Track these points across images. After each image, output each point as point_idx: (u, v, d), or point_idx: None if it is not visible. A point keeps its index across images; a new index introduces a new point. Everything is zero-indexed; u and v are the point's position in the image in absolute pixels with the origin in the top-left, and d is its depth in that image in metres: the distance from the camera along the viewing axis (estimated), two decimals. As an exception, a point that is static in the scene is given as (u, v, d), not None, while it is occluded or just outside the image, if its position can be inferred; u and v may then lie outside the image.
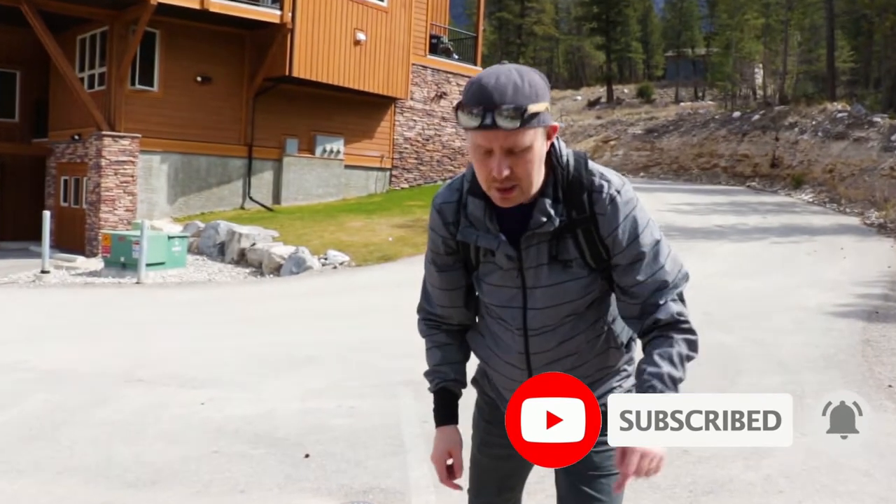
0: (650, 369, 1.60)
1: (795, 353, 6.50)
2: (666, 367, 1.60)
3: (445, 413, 1.85)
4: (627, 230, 1.62)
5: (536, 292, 1.68)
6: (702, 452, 4.11)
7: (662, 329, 1.65)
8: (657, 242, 1.65)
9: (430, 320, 1.89)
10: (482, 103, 1.49)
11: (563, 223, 1.62)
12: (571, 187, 1.63)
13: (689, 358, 1.66)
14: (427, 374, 1.87)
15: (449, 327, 1.88)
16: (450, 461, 1.82)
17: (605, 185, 1.63)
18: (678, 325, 1.65)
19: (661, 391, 1.57)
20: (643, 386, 1.59)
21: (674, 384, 1.60)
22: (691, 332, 1.67)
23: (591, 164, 1.67)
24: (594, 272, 1.67)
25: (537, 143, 1.55)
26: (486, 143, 1.52)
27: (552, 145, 1.63)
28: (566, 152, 1.66)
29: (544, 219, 1.61)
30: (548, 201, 1.61)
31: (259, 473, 3.87)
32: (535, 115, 1.52)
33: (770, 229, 15.79)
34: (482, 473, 1.98)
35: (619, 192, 1.63)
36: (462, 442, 1.84)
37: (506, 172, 1.52)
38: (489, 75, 1.52)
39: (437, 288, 1.82)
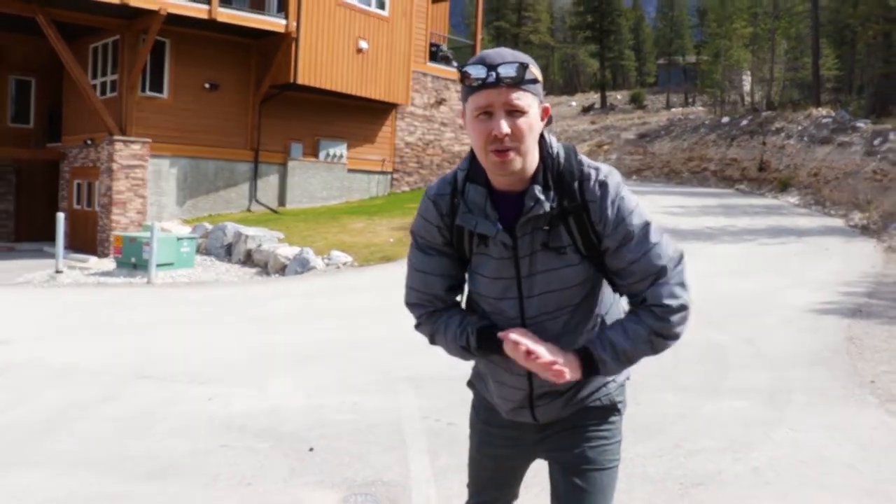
0: (605, 332, 1.69)
1: (783, 350, 6.58)
2: (614, 333, 1.67)
3: (495, 335, 1.74)
4: (616, 213, 1.63)
5: (531, 280, 1.69)
6: (693, 446, 4.20)
7: (640, 306, 1.68)
8: (646, 224, 1.65)
9: (428, 314, 1.83)
10: (485, 63, 1.57)
11: (554, 210, 1.64)
12: (562, 177, 1.65)
13: (651, 338, 1.67)
14: (460, 339, 1.76)
15: (450, 308, 1.83)
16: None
17: (594, 172, 1.66)
18: (655, 308, 1.65)
19: (593, 348, 1.67)
20: (588, 343, 1.70)
21: (613, 348, 1.66)
22: (664, 318, 1.65)
23: (581, 156, 1.70)
24: (586, 260, 1.68)
25: (534, 110, 1.60)
26: (487, 102, 1.56)
27: (542, 137, 1.67)
28: (556, 145, 1.70)
29: (533, 203, 1.63)
30: (538, 188, 1.63)
31: (265, 467, 3.89)
32: (534, 80, 1.60)
33: (758, 231, 15.69)
34: (482, 472, 1.99)
35: (607, 177, 1.65)
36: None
37: (506, 130, 1.55)
38: (488, 50, 1.63)
39: (425, 272, 1.78)
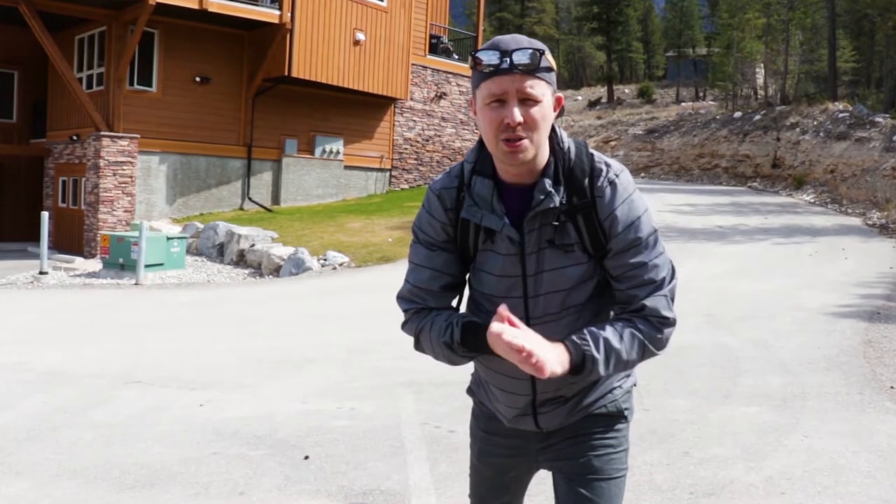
0: (593, 328, 1.61)
1: (797, 354, 6.52)
2: (608, 334, 1.60)
3: (482, 329, 1.63)
4: (624, 215, 1.62)
5: (538, 278, 1.67)
6: (703, 454, 4.13)
7: (634, 313, 1.65)
8: (653, 232, 1.65)
9: (417, 311, 1.78)
10: (499, 48, 1.54)
11: (563, 206, 1.63)
12: (572, 172, 1.64)
13: (646, 346, 1.63)
14: (444, 335, 1.68)
15: (441, 308, 1.79)
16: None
17: (605, 168, 1.64)
18: (653, 318, 1.64)
19: (588, 347, 1.58)
20: (576, 336, 1.60)
21: (607, 349, 1.59)
22: (660, 329, 1.64)
23: (592, 151, 1.68)
24: (593, 259, 1.67)
25: (547, 99, 1.57)
26: (501, 90, 1.54)
27: (554, 130, 1.65)
28: (567, 139, 1.68)
29: (543, 197, 1.61)
30: (548, 181, 1.62)
31: (258, 475, 3.87)
32: (549, 68, 1.57)
33: (771, 230, 15.91)
34: (484, 482, 1.96)
35: (617, 176, 1.64)
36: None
37: (518, 118, 1.53)
38: (502, 35, 1.59)
39: (427, 267, 1.76)
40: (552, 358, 1.54)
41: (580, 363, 1.59)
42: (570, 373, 1.59)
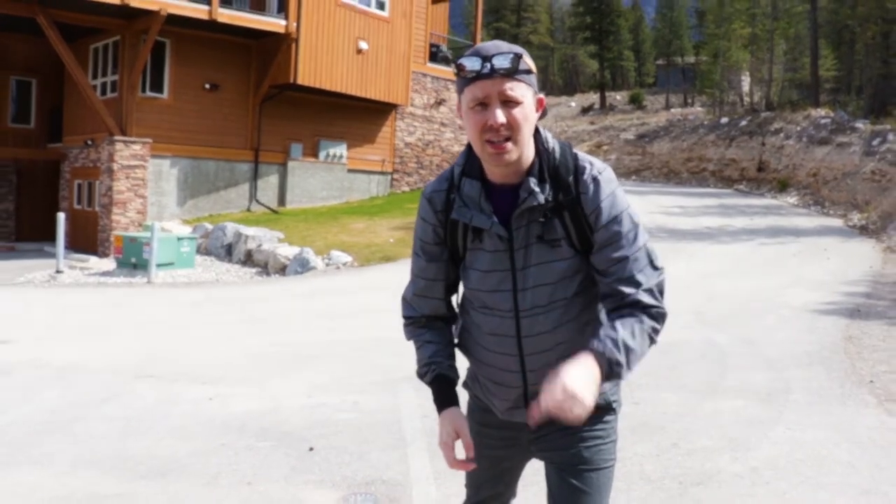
0: (607, 332, 1.59)
1: (782, 350, 6.61)
2: (622, 334, 1.58)
3: (446, 397, 1.81)
4: (608, 209, 1.65)
5: (526, 272, 1.70)
6: (691, 446, 4.22)
7: (632, 307, 1.65)
8: (636, 226, 1.67)
9: (415, 321, 1.90)
10: (480, 54, 1.59)
11: (549, 203, 1.66)
12: (557, 171, 1.67)
13: (651, 338, 1.65)
14: (421, 368, 1.85)
15: (433, 325, 1.89)
16: (457, 440, 1.77)
17: (589, 166, 1.68)
18: (649, 308, 1.65)
19: (610, 351, 1.56)
20: (596, 344, 1.57)
21: (626, 351, 1.58)
22: (659, 318, 1.67)
23: (576, 150, 1.71)
24: (580, 254, 1.70)
25: (528, 101, 1.61)
26: (483, 93, 1.58)
27: (538, 131, 1.69)
28: (552, 140, 1.71)
29: (528, 195, 1.65)
30: (533, 180, 1.65)
31: (265, 466, 3.92)
32: (528, 70, 1.61)
33: (757, 231, 15.87)
34: (479, 472, 1.97)
35: (601, 173, 1.67)
36: (466, 422, 1.80)
37: (501, 119, 1.57)
38: (484, 42, 1.66)
39: (422, 278, 1.84)
40: (582, 389, 1.47)
41: (608, 371, 1.56)
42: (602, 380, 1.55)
